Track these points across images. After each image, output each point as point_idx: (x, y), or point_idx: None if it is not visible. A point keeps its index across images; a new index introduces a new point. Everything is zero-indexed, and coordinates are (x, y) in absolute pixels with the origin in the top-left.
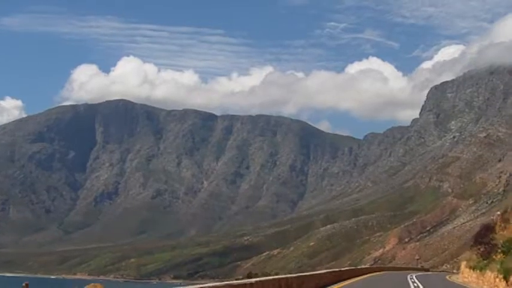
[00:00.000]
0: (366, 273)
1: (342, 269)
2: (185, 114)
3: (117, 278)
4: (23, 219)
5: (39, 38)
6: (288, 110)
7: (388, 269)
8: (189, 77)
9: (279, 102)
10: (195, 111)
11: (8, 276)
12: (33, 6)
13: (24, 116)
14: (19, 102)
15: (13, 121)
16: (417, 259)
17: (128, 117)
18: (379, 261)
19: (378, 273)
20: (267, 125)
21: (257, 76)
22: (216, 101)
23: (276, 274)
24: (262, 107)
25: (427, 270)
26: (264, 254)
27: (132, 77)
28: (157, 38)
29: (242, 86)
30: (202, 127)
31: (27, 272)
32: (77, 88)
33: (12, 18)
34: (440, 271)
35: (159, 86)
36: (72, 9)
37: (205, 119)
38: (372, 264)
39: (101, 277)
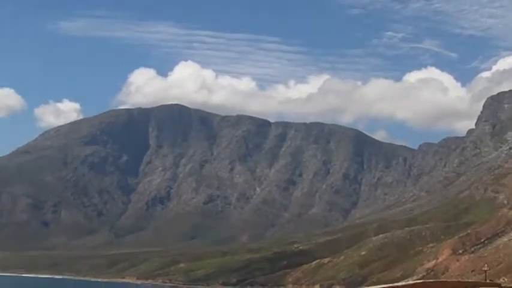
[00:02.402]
0: None
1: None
2: (239, 120)
3: (165, 282)
4: (75, 221)
5: (96, 43)
6: (345, 119)
7: (456, 284)
8: (246, 84)
9: (336, 111)
10: (249, 118)
11: (56, 279)
12: (91, 11)
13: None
14: (77, 105)
15: (67, 123)
16: (486, 270)
17: (181, 122)
18: (432, 272)
19: None
20: (321, 133)
21: (314, 84)
22: (273, 108)
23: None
24: (319, 115)
25: (497, 285)
26: (315, 262)
27: (189, 82)
28: (214, 45)
29: (299, 93)
30: (256, 133)
31: (76, 275)
32: (133, 92)
33: (70, 22)
34: None
35: (217, 92)
36: (130, 14)
37: (259, 126)
38: (425, 276)
39: (149, 281)
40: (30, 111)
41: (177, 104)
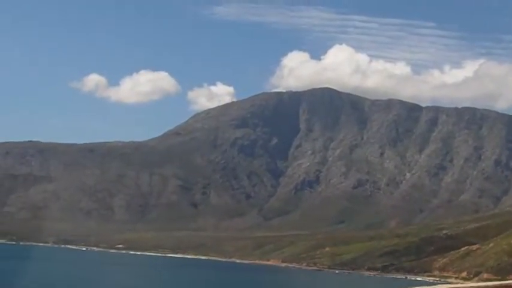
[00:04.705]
0: None
1: None
2: (390, 104)
3: (310, 266)
4: (223, 203)
5: (250, 27)
6: (500, 105)
7: None
8: (401, 68)
9: (491, 96)
10: (400, 102)
11: (201, 259)
12: None
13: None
14: (230, 89)
15: (218, 106)
16: None
17: (332, 105)
18: None
19: None
20: (472, 118)
21: (470, 69)
22: (426, 93)
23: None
24: (473, 101)
25: None
26: (463, 249)
27: (343, 66)
28: (367, 30)
29: (454, 78)
30: (407, 118)
31: (222, 256)
32: (286, 75)
33: (224, 7)
34: None
35: (370, 76)
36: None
37: (410, 110)
38: None
39: (294, 264)
40: (183, 94)
41: (327, 88)
